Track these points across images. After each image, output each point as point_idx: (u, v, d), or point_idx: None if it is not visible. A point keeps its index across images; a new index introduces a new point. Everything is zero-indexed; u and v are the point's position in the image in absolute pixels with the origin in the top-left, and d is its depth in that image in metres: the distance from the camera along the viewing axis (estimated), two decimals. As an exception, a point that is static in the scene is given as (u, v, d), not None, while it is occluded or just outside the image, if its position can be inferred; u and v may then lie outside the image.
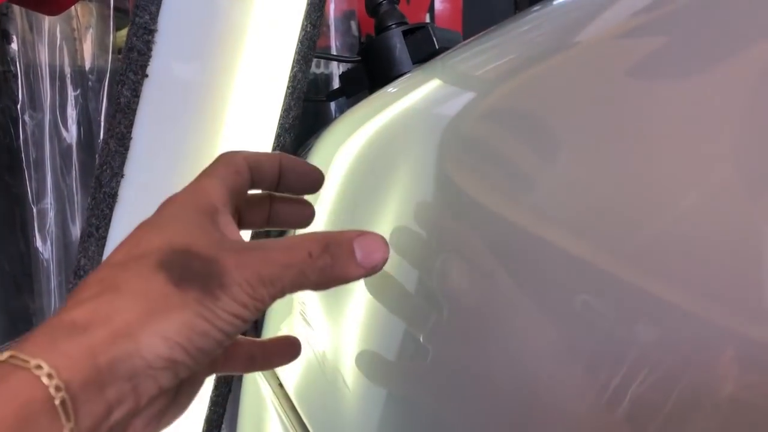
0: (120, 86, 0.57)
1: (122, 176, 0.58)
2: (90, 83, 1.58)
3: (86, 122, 1.57)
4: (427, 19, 2.26)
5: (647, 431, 0.27)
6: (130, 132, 0.57)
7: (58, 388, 0.22)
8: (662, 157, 0.29)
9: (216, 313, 0.27)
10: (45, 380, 0.22)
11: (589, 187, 0.33)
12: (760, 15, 0.28)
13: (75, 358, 0.23)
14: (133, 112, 0.57)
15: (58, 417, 0.22)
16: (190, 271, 0.27)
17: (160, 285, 0.26)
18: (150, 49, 0.57)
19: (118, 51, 1.71)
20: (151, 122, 0.58)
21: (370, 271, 0.31)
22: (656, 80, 0.32)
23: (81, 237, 0.58)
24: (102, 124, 1.57)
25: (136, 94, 0.57)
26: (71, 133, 1.56)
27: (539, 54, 0.42)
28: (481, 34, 0.52)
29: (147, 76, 0.57)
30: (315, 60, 1.47)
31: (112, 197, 0.58)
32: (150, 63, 0.57)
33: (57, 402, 0.22)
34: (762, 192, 0.26)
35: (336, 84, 1.63)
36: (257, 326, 0.67)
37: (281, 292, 0.29)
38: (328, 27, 1.85)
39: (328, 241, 0.30)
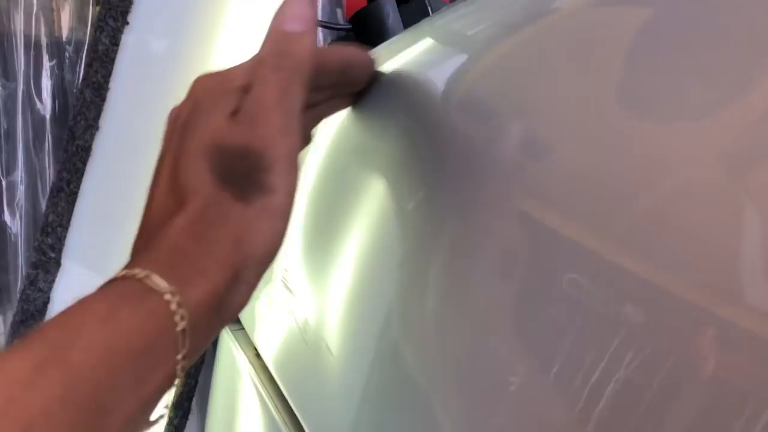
0: (98, 33, 0.54)
1: (97, 129, 0.55)
2: (67, 54, 1.53)
3: (62, 95, 1.53)
4: None
5: (630, 414, 0.26)
6: (108, 82, 0.54)
7: (182, 317, 0.23)
8: (648, 134, 0.28)
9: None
10: (174, 307, 0.23)
11: (582, 165, 0.31)
12: None
13: (201, 289, 0.24)
14: (112, 61, 0.54)
15: (174, 344, 0.23)
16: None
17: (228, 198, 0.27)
18: (132, -5, 0.54)
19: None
20: (130, 73, 0.55)
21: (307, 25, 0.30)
22: (658, 43, 0.30)
23: (50, 192, 0.54)
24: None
25: (115, 42, 0.54)
26: (45, 105, 1.51)
27: (534, 14, 0.40)
28: None
29: (128, 23, 0.54)
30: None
31: (85, 151, 0.54)
32: (131, 9, 0.54)
33: (179, 329, 0.23)
34: (745, 175, 0.24)
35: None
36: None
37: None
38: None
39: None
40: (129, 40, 0.55)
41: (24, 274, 0.55)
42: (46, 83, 1.53)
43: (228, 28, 0.57)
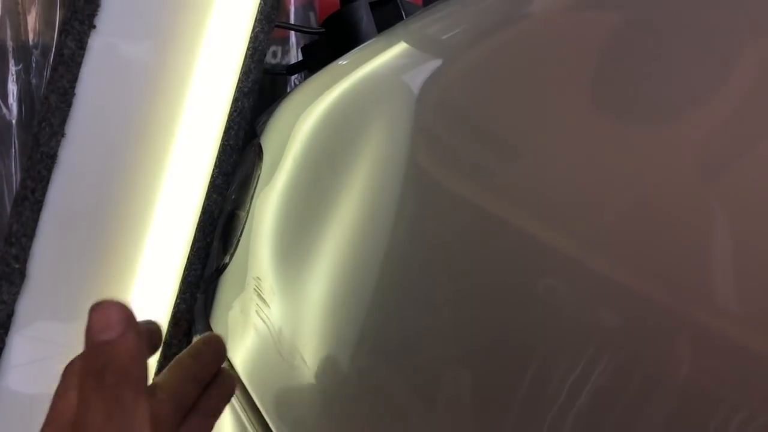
0: (63, 36, 0.52)
1: (63, 135, 0.53)
2: (34, 58, 1.50)
3: (28, 100, 1.50)
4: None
5: (606, 416, 0.25)
6: (74, 87, 0.53)
7: None
8: (627, 140, 0.28)
9: None
10: None
11: (552, 159, 0.31)
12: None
13: None
14: (78, 65, 0.53)
15: None
16: None
17: None
18: (98, -2, 0.53)
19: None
20: (98, 77, 0.53)
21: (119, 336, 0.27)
22: (631, 48, 0.30)
23: (15, 200, 0.53)
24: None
25: (81, 45, 0.52)
26: (11, 111, 1.48)
27: (504, 19, 0.40)
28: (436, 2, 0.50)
29: (95, 27, 0.52)
30: (272, 50, 1.43)
31: (50, 158, 0.53)
32: (98, 12, 0.52)
33: None
34: (719, 182, 0.25)
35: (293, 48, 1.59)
36: (206, 305, 0.63)
37: None
38: (288, 18, 1.80)
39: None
40: (96, 43, 0.53)
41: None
42: (12, 88, 1.50)
43: (199, 30, 0.56)
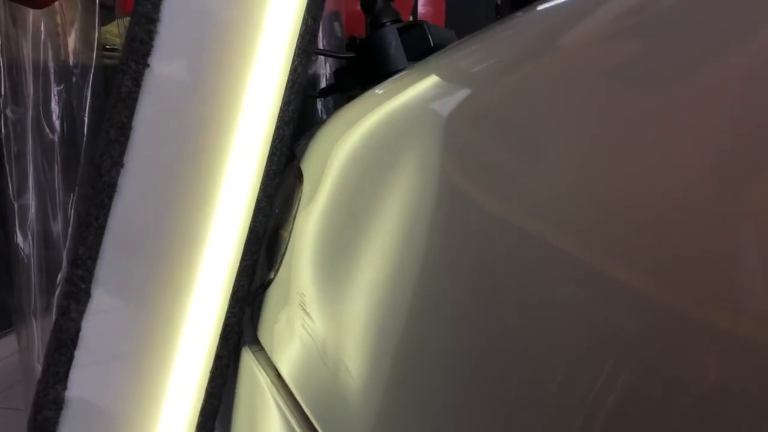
0: (121, 75, 0.57)
1: (122, 166, 0.58)
2: (74, 78, 1.57)
3: (69, 118, 1.56)
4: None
5: (632, 423, 0.28)
6: (131, 122, 0.58)
7: None
8: (649, 156, 0.31)
9: None
10: None
11: (579, 185, 0.34)
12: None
13: None
14: (134, 102, 0.57)
15: None
16: None
17: None
18: (152, 39, 0.57)
19: (102, 47, 1.70)
20: (151, 112, 0.58)
21: None
22: (641, 81, 0.33)
23: (79, 226, 0.58)
24: (86, 120, 1.56)
25: (137, 83, 0.57)
26: (54, 129, 1.54)
27: (532, 54, 0.43)
28: (475, 33, 0.53)
29: (148, 66, 0.57)
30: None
31: (111, 187, 0.58)
32: (152, 53, 0.57)
33: None
34: (740, 192, 0.27)
35: (324, 84, 1.64)
36: (254, 318, 0.68)
37: None
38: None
39: None
40: (150, 80, 0.58)
41: (56, 304, 0.59)
42: (55, 108, 1.56)
43: (243, 66, 0.61)
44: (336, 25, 2.07)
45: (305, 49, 0.63)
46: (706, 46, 0.31)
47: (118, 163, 0.58)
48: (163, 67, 0.58)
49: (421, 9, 2.36)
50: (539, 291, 0.35)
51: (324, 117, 1.59)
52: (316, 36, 0.64)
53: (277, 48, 0.62)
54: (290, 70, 0.63)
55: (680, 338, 0.27)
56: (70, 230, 1.54)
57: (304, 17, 0.63)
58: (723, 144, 0.28)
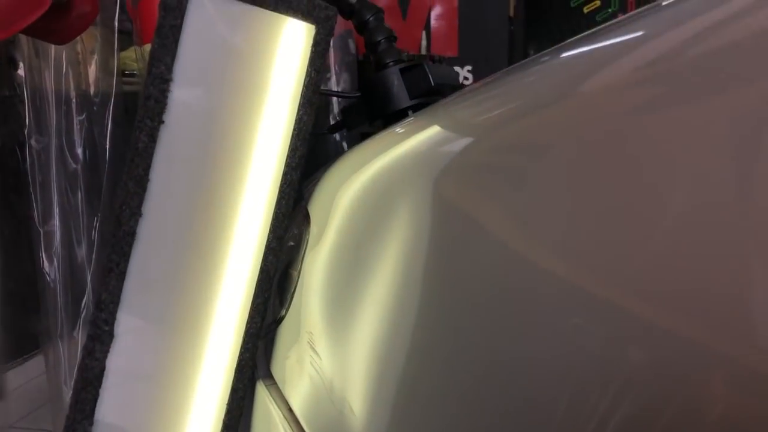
0: (138, 132, 0.61)
1: (140, 215, 0.62)
2: (95, 107, 1.62)
3: (91, 146, 1.62)
4: (424, 36, 2.31)
5: None
6: (148, 174, 0.62)
7: None
8: (653, 184, 0.33)
9: None
10: None
11: (587, 227, 0.37)
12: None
13: None
14: (150, 156, 0.62)
15: None
16: None
17: None
18: (165, 98, 0.62)
19: (122, 73, 1.75)
20: (167, 164, 0.62)
21: None
22: (651, 133, 0.36)
23: (103, 272, 0.62)
24: (107, 146, 1.62)
25: (152, 139, 0.62)
26: (77, 157, 1.60)
27: (537, 104, 0.46)
28: (482, 81, 0.57)
29: (163, 122, 0.62)
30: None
31: (131, 235, 0.62)
32: (166, 110, 0.62)
33: None
34: (748, 216, 0.29)
35: (333, 111, 1.68)
36: (266, 353, 0.72)
37: None
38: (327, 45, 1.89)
39: None
40: (164, 136, 0.62)
41: (81, 346, 0.63)
42: (77, 136, 1.62)
43: (252, 118, 0.65)
44: (350, 42, 2.12)
45: (309, 100, 0.67)
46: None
47: (136, 213, 0.62)
48: (177, 122, 0.63)
49: (433, 23, 2.39)
50: (541, 337, 0.38)
51: (341, 143, 1.63)
52: (319, 86, 0.68)
53: (283, 100, 0.66)
54: (296, 120, 0.67)
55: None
56: (94, 255, 1.60)
57: (307, 70, 0.67)
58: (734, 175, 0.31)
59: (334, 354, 0.57)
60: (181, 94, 0.63)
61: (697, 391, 0.28)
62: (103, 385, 0.64)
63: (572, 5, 2.47)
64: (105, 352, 0.64)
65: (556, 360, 0.36)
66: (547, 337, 0.37)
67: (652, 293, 0.32)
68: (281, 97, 0.66)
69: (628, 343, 0.33)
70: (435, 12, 2.30)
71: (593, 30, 0.46)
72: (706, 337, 0.29)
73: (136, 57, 1.84)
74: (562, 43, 0.48)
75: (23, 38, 1.59)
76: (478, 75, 2.17)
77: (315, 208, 0.68)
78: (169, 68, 0.62)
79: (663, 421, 0.29)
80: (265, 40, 0.65)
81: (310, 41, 0.67)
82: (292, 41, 0.66)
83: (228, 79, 0.64)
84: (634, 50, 0.41)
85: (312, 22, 0.66)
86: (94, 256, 1.62)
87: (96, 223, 1.63)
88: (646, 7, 0.43)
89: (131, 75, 1.87)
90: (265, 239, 0.68)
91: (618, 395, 0.32)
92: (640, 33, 0.41)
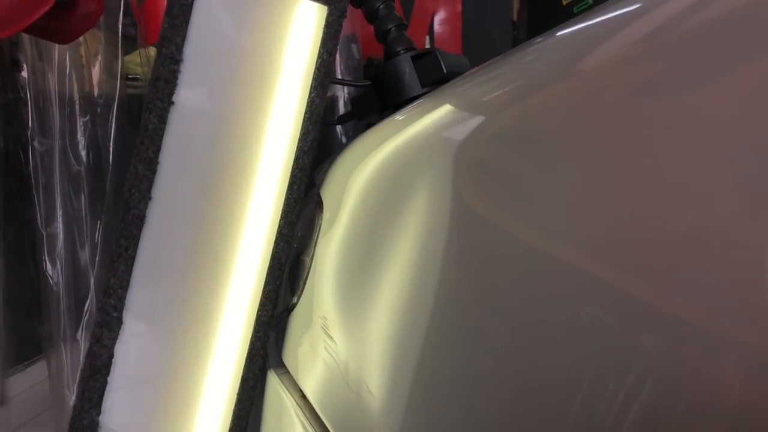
0: (147, 113, 0.60)
1: (150, 199, 0.61)
2: (98, 109, 1.62)
3: (95, 148, 1.61)
4: (427, 40, 2.31)
5: None
6: (158, 157, 0.61)
7: None
8: (666, 173, 0.33)
9: None
10: None
11: (597, 203, 0.36)
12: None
13: None
14: (160, 138, 0.61)
15: None
16: None
17: None
18: (176, 78, 0.61)
19: (125, 77, 1.75)
20: (177, 147, 0.61)
21: None
22: (653, 103, 0.35)
23: (111, 257, 0.61)
24: (111, 149, 1.61)
25: (162, 120, 0.61)
26: (80, 159, 1.59)
27: (544, 81, 0.46)
28: (488, 62, 0.56)
29: (173, 103, 0.61)
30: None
31: (140, 219, 0.61)
32: (176, 91, 0.61)
33: None
34: (762, 206, 0.28)
35: (340, 105, 1.67)
36: (278, 341, 0.71)
37: None
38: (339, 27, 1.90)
39: None
40: (175, 117, 0.61)
41: (90, 332, 0.62)
42: (80, 138, 1.61)
43: (264, 100, 0.64)
44: (353, 47, 2.11)
45: (321, 82, 0.66)
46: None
47: (146, 197, 0.61)
48: (187, 104, 0.62)
49: (437, 28, 2.39)
50: (559, 311, 0.37)
51: (344, 140, 1.62)
52: (331, 69, 0.67)
53: (294, 82, 0.65)
54: (307, 102, 0.66)
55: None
56: (97, 258, 1.58)
57: (319, 51, 0.66)
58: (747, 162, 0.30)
59: (350, 337, 0.56)
60: (191, 75, 0.62)
61: (714, 382, 0.28)
62: (112, 372, 0.63)
63: (575, 11, 2.47)
64: (113, 339, 0.62)
65: (573, 339, 0.35)
66: (566, 320, 0.36)
67: (671, 281, 0.31)
68: (293, 79, 0.65)
69: (644, 335, 0.32)
70: (438, 17, 2.30)
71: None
72: (722, 326, 0.28)
73: (140, 61, 1.84)
74: (572, 19, 0.48)
75: (26, 40, 1.59)
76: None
77: (327, 193, 0.67)
78: (180, 48, 0.61)
79: (679, 412, 0.29)
80: (277, 20, 0.64)
81: (322, 22, 0.66)
82: (304, 22, 0.65)
83: (239, 59, 0.63)
84: (634, 22, 0.40)
85: (324, 3, 0.65)
86: (97, 259, 1.61)
87: (99, 225, 1.62)
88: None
89: (135, 79, 1.86)
90: (277, 225, 0.67)
91: (635, 387, 0.31)
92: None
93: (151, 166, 0.61)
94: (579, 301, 0.35)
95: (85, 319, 1.59)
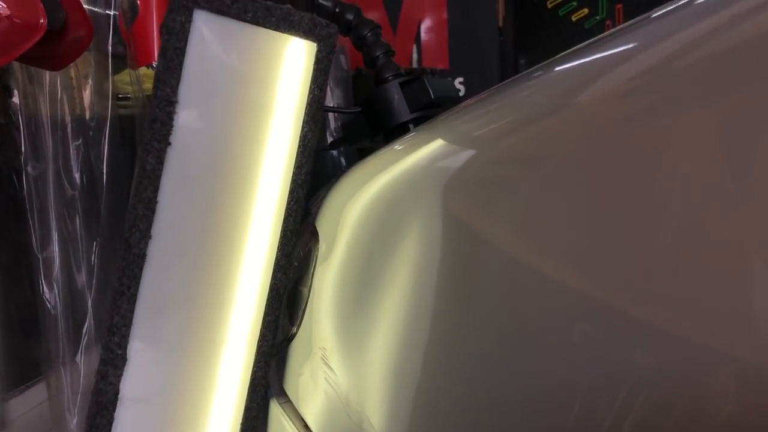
0: (145, 154, 0.62)
1: (150, 237, 0.63)
2: (91, 132, 1.63)
3: (88, 170, 1.62)
4: (414, 50, 2.33)
5: None
6: (156, 196, 0.62)
7: None
8: (661, 201, 0.35)
9: None
10: None
11: (592, 228, 0.38)
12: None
13: None
14: (158, 178, 0.62)
15: None
16: None
17: None
18: (172, 119, 0.63)
19: (115, 97, 1.76)
20: (175, 187, 0.63)
21: None
22: (649, 138, 0.37)
23: (114, 296, 0.63)
24: (104, 171, 1.62)
25: (160, 161, 0.62)
26: (74, 182, 1.60)
27: (536, 116, 0.48)
28: (481, 94, 0.58)
29: (170, 144, 0.62)
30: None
31: (141, 258, 0.62)
32: (173, 132, 0.62)
33: None
34: (750, 218, 0.30)
35: (330, 127, 1.69)
36: (279, 371, 0.72)
37: None
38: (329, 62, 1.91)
39: None
40: (172, 157, 0.63)
41: (95, 370, 0.64)
42: (74, 161, 1.62)
43: (258, 138, 0.66)
44: (342, 57, 2.13)
45: (313, 117, 0.68)
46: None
47: (146, 236, 0.63)
48: (184, 144, 0.63)
49: (424, 36, 2.41)
50: (565, 342, 0.38)
51: (343, 162, 1.63)
52: (323, 104, 0.69)
53: (287, 118, 0.67)
54: (300, 137, 0.68)
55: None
56: (94, 281, 1.60)
57: (310, 87, 0.68)
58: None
59: (349, 368, 0.58)
60: (187, 116, 0.63)
61: (707, 394, 0.29)
62: (118, 409, 0.64)
63: (560, 14, 2.49)
64: (119, 376, 0.64)
65: (574, 371, 0.37)
66: (568, 347, 0.38)
67: (660, 297, 0.32)
68: (286, 115, 0.67)
69: (636, 348, 0.33)
70: (425, 25, 2.32)
71: (590, 41, 0.48)
72: (714, 339, 0.30)
73: (130, 80, 1.85)
74: (563, 53, 0.50)
75: (17, 65, 1.60)
76: (469, 87, 2.19)
77: (323, 224, 0.69)
78: (175, 90, 0.63)
79: (672, 424, 0.30)
80: (268, 59, 0.66)
81: (312, 59, 0.68)
82: (294, 59, 0.67)
83: (232, 98, 0.65)
84: (629, 60, 0.42)
85: (314, 40, 0.67)
86: (94, 281, 1.62)
87: (95, 248, 1.63)
88: (637, 18, 0.44)
89: (125, 98, 1.87)
90: (274, 257, 0.69)
91: (628, 399, 0.33)
92: (633, 44, 0.43)
93: (150, 205, 0.63)
94: (585, 328, 0.37)
95: (84, 342, 1.60)
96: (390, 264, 0.55)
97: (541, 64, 0.51)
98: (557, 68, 0.49)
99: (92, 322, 1.63)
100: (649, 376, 0.32)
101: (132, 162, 1.62)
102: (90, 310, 1.62)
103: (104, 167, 1.64)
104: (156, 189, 0.63)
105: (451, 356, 0.47)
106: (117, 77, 1.86)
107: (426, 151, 0.57)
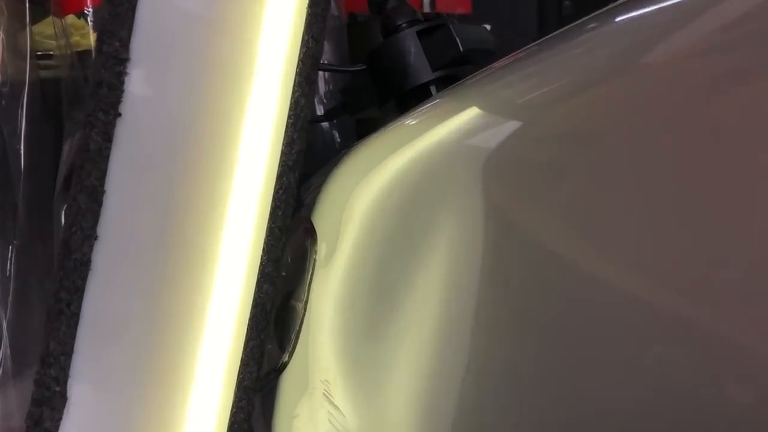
0: (88, 129, 0.62)
1: (96, 238, 0.62)
2: (3, 101, 1.62)
3: (1, 151, 1.61)
4: (427, 4, 2.32)
5: None
6: (103, 184, 0.62)
7: None
8: (739, 184, 0.34)
9: None
10: None
11: (656, 222, 0.38)
12: None
13: None
14: (106, 159, 0.62)
15: None
16: None
17: None
18: (122, 83, 0.62)
19: (35, 55, 1.75)
20: (127, 171, 0.63)
21: None
22: (720, 105, 0.37)
23: (48, 316, 0.62)
24: (22, 152, 1.61)
25: (107, 138, 0.62)
26: (-19, 167, 1.60)
27: (603, 77, 0.47)
28: (518, 52, 0.57)
29: (120, 115, 0.62)
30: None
31: (84, 265, 0.62)
32: (123, 99, 0.62)
33: None
34: None
35: (320, 88, 1.68)
36: (265, 412, 0.72)
37: None
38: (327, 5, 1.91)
39: None
40: (123, 132, 0.63)
41: (27, 413, 0.63)
42: (-19, 140, 1.61)
43: (236, 102, 0.65)
44: (331, 2, 2.12)
45: (308, 77, 0.67)
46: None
47: (90, 236, 0.63)
48: (138, 115, 0.63)
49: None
50: (607, 344, 0.38)
51: (337, 139, 1.63)
52: (319, 60, 0.68)
53: (273, 79, 0.66)
54: (291, 104, 0.67)
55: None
56: (10, 297, 1.59)
57: (303, 38, 0.67)
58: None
59: (362, 408, 0.58)
60: (141, 78, 0.63)
61: None
62: (57, 462, 0.64)
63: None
64: (57, 420, 0.64)
65: (642, 406, 0.37)
66: (632, 378, 0.38)
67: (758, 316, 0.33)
68: (271, 76, 0.66)
69: (726, 378, 0.33)
70: (439, -43, 2.31)
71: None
72: None
73: (54, 32, 1.84)
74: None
75: None
76: (499, 38, 2.18)
77: (321, 220, 0.69)
78: (125, 45, 0.62)
79: None
80: (246, 2, 0.65)
81: (306, 1, 0.67)
82: (281, 2, 0.66)
83: (201, 56, 0.64)
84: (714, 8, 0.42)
85: (307, -24, 0.67)
86: (10, 297, 1.61)
87: (11, 254, 1.62)
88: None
89: (48, 56, 1.86)
90: (258, 263, 0.68)
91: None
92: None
93: (95, 196, 0.62)
94: (642, 338, 0.37)
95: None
96: (414, 271, 0.55)
97: (603, 10, 0.51)
98: (624, 16, 0.49)
99: (8, 350, 1.63)
100: (747, 416, 0.32)
101: (59, 140, 1.61)
102: (5, 334, 1.61)
103: (21, 147, 1.64)
104: (102, 175, 0.62)
105: (502, 392, 0.47)
106: (36, 28, 1.85)
107: (456, 123, 0.57)
